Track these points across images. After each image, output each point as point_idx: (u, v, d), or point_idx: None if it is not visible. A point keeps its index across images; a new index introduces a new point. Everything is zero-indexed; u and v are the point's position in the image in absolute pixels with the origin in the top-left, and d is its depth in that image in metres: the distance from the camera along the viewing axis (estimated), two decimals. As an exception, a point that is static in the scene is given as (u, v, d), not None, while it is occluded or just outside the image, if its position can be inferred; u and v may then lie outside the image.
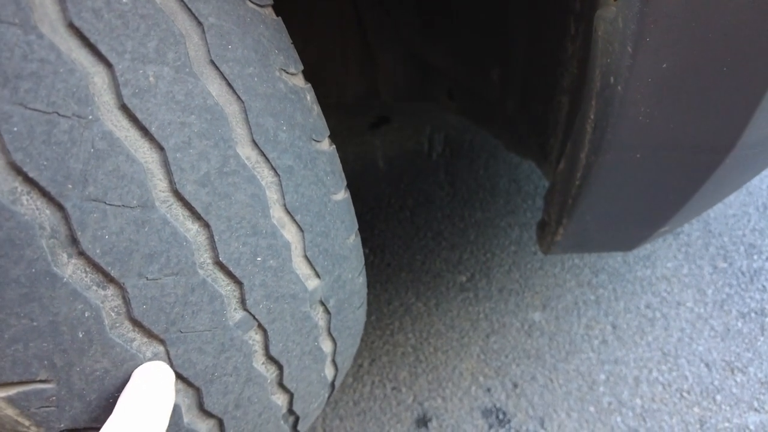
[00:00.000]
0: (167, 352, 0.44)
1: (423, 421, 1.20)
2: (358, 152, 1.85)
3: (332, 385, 0.73)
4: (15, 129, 0.34)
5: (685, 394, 1.19)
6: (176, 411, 0.47)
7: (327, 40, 1.46)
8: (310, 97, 0.53)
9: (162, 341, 0.43)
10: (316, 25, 1.43)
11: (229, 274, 0.46)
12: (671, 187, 0.74)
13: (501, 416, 1.20)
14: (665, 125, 0.63)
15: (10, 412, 0.39)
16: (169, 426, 0.48)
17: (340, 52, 1.49)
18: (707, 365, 1.24)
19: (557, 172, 0.85)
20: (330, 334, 0.63)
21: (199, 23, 0.42)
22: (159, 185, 0.40)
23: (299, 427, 0.69)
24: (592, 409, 1.20)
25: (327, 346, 0.64)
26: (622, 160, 0.69)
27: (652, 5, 0.52)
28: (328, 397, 0.74)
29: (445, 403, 1.23)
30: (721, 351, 1.27)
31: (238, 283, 0.47)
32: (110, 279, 0.39)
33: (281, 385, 0.58)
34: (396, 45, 1.45)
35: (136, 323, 0.42)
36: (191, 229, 0.43)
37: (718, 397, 1.18)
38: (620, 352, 1.31)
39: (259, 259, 0.48)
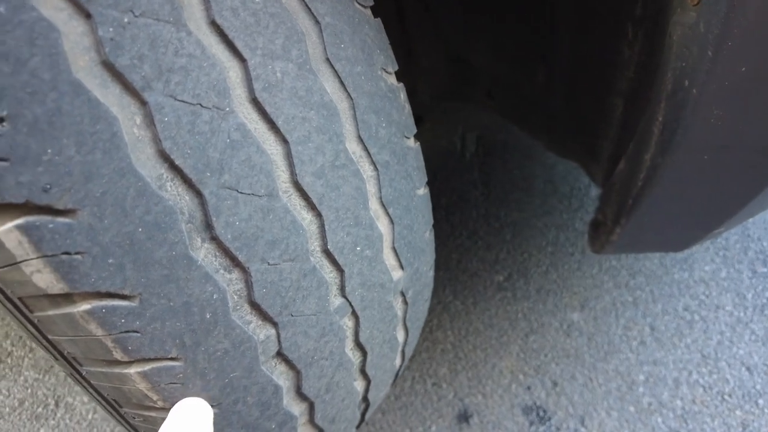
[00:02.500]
0: (278, 335, 0.46)
1: (464, 416, 1.22)
2: (391, 151, 1.86)
3: (397, 375, 0.75)
4: (166, 119, 0.36)
5: (726, 397, 1.20)
6: (277, 393, 0.50)
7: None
8: (403, 95, 0.55)
9: (275, 324, 0.46)
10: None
11: (334, 262, 0.48)
12: (734, 188, 0.76)
13: (541, 414, 1.22)
14: (736, 127, 0.65)
15: (142, 386, 0.41)
16: (269, 408, 0.50)
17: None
18: (748, 369, 1.25)
19: (616, 173, 0.86)
20: (405, 324, 0.66)
21: (317, 22, 0.44)
22: (282, 176, 0.43)
23: (366, 416, 0.71)
24: (632, 408, 1.21)
25: (401, 335, 0.66)
26: (689, 162, 0.70)
27: (738, 11, 0.54)
28: (391, 387, 0.76)
29: (485, 399, 1.25)
30: (762, 355, 1.27)
31: (340, 270, 0.49)
32: (236, 263, 0.42)
33: (363, 371, 0.60)
34: (436, 43, 1.47)
35: (255, 306, 0.44)
36: (306, 218, 0.45)
37: (761, 401, 1.19)
38: (659, 353, 1.31)
39: (358, 248, 0.50)
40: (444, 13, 1.39)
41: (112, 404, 0.48)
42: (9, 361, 1.42)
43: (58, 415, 1.29)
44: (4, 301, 0.41)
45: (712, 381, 1.24)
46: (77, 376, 0.47)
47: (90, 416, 1.29)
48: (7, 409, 1.32)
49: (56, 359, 0.47)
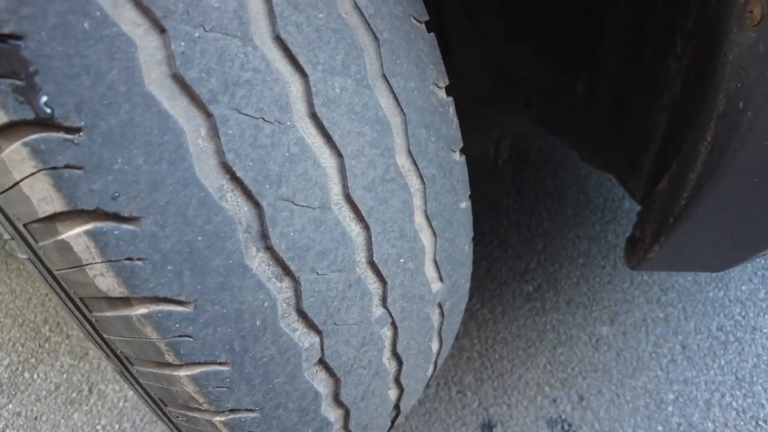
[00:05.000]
0: (321, 343, 0.47)
1: (488, 426, 1.22)
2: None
3: (427, 384, 0.76)
4: (230, 132, 0.37)
5: (761, 423, 1.17)
6: (317, 400, 0.50)
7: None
8: (452, 109, 0.55)
9: (319, 332, 0.46)
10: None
11: (378, 273, 0.49)
12: (782, 212, 0.74)
13: (566, 427, 1.20)
14: (791, 152, 0.63)
15: (190, 389, 0.43)
16: (307, 414, 0.51)
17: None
18: (784, 394, 1.21)
19: (658, 190, 0.85)
20: (440, 335, 0.66)
21: (376, 38, 0.45)
22: (334, 189, 0.43)
23: (395, 422, 0.72)
24: (660, 428, 1.19)
25: (435, 346, 0.66)
26: (737, 184, 0.69)
27: (801, 34, 0.52)
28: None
29: (510, 410, 1.24)
30: (798, 380, 1.24)
31: (383, 281, 0.50)
32: (288, 272, 0.42)
33: (397, 380, 0.61)
34: (477, 49, 1.46)
35: (302, 314, 0.45)
36: (354, 230, 0.46)
37: (796, 428, 1.15)
38: (690, 372, 1.29)
39: (401, 260, 0.51)
40: (487, 20, 1.38)
41: (157, 402, 0.50)
42: (47, 346, 1.47)
43: (91, 401, 1.33)
44: (65, 300, 0.43)
45: (746, 405, 1.21)
46: (126, 374, 0.49)
47: (121, 404, 1.33)
48: (44, 393, 1.36)
49: (108, 357, 0.49)
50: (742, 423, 1.17)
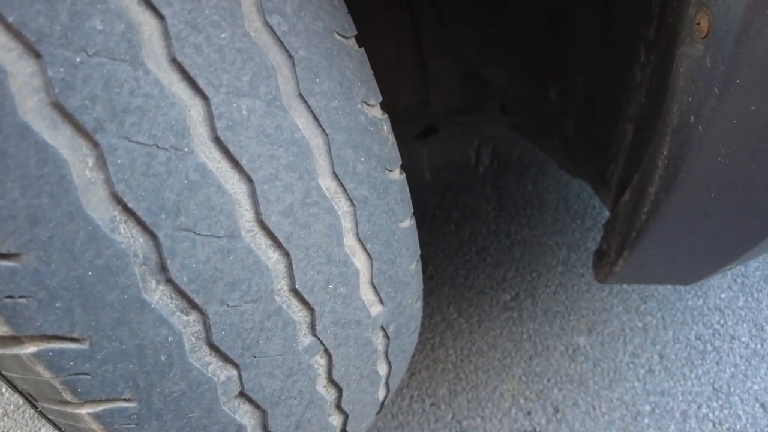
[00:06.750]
0: (240, 376, 0.45)
1: (461, 439, 1.20)
2: (404, 162, 1.84)
3: (382, 405, 0.74)
4: (119, 161, 0.35)
5: (737, 435, 1.15)
6: (242, 432, 0.48)
7: (381, 50, 1.46)
8: (386, 127, 0.53)
9: (236, 365, 0.44)
10: (371, 35, 1.44)
11: (303, 301, 0.47)
12: (742, 227, 0.72)
13: (541, 441, 1.18)
14: (745, 167, 0.61)
15: (95, 426, 0.41)
16: (233, 445, 0.49)
17: (394, 63, 1.49)
18: (762, 406, 1.19)
19: (621, 203, 0.83)
20: (387, 357, 0.64)
21: (290, 56, 0.43)
22: (245, 215, 0.41)
23: (348, 446, 0.70)
24: (636, 441, 1.17)
25: (383, 369, 0.64)
26: (694, 199, 0.67)
27: (747, 47, 0.50)
28: (376, 417, 0.75)
29: (484, 423, 1.22)
30: (777, 391, 1.22)
31: (310, 309, 0.48)
32: (193, 305, 0.40)
33: (339, 407, 0.59)
34: (451, 58, 1.44)
35: (214, 348, 0.42)
36: (272, 257, 0.44)
37: (773, 440, 1.13)
38: (667, 383, 1.27)
39: (331, 286, 0.49)
40: (460, 28, 1.36)
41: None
42: (15, 358, 1.45)
43: (59, 416, 1.30)
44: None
45: (722, 416, 1.19)
46: (36, 410, 0.47)
47: (90, 418, 1.30)
48: (12, 407, 1.34)
49: (14, 392, 0.47)
50: (718, 436, 1.15)
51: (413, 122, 2.06)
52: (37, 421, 1.31)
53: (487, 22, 1.28)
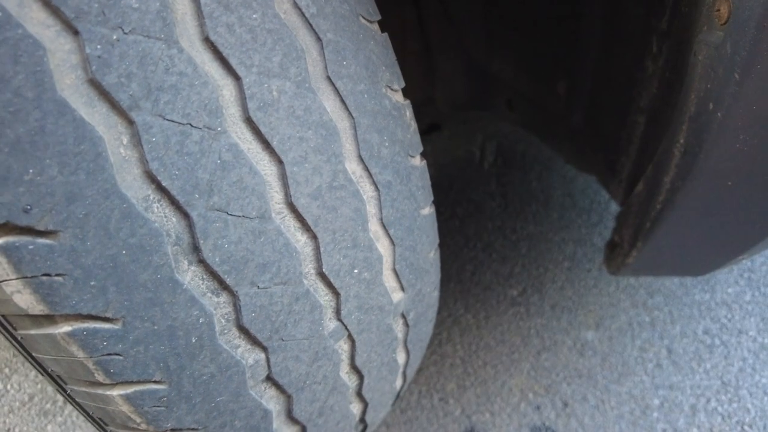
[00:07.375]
0: (267, 360, 0.45)
1: (471, 434, 1.19)
2: (408, 158, 1.84)
3: (398, 395, 0.73)
4: (153, 139, 0.35)
5: (746, 428, 1.15)
6: (267, 417, 0.48)
7: (388, 46, 1.46)
8: (408, 113, 0.53)
9: (264, 349, 0.44)
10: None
11: (329, 285, 0.47)
12: (759, 215, 0.72)
13: (550, 435, 1.18)
14: (765, 153, 0.61)
15: (125, 408, 0.40)
16: (258, 431, 0.49)
17: (400, 59, 1.49)
18: (770, 398, 1.20)
19: (634, 194, 0.83)
20: (406, 346, 0.64)
21: (319, 39, 0.43)
22: (275, 197, 0.41)
23: (365, 436, 0.69)
24: (645, 434, 1.17)
25: (402, 357, 0.64)
26: (711, 187, 0.67)
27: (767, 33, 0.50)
28: (392, 407, 0.75)
29: (493, 417, 1.22)
30: (785, 384, 1.22)
31: (336, 293, 0.48)
32: (224, 287, 0.40)
33: (359, 394, 0.59)
34: (457, 53, 1.45)
35: (243, 330, 0.42)
36: (300, 240, 0.44)
37: (782, 433, 1.14)
38: (676, 377, 1.27)
39: (356, 271, 0.49)
40: (467, 24, 1.37)
41: (99, 423, 0.48)
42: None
43: (66, 412, 1.30)
44: (-11, 317, 0.41)
45: (731, 410, 1.19)
46: (63, 394, 0.47)
47: (97, 415, 1.30)
48: (17, 404, 1.33)
49: (42, 376, 0.46)
50: (727, 428, 1.16)
51: (417, 119, 2.06)
52: (43, 418, 1.31)
53: (493, 15, 1.28)
